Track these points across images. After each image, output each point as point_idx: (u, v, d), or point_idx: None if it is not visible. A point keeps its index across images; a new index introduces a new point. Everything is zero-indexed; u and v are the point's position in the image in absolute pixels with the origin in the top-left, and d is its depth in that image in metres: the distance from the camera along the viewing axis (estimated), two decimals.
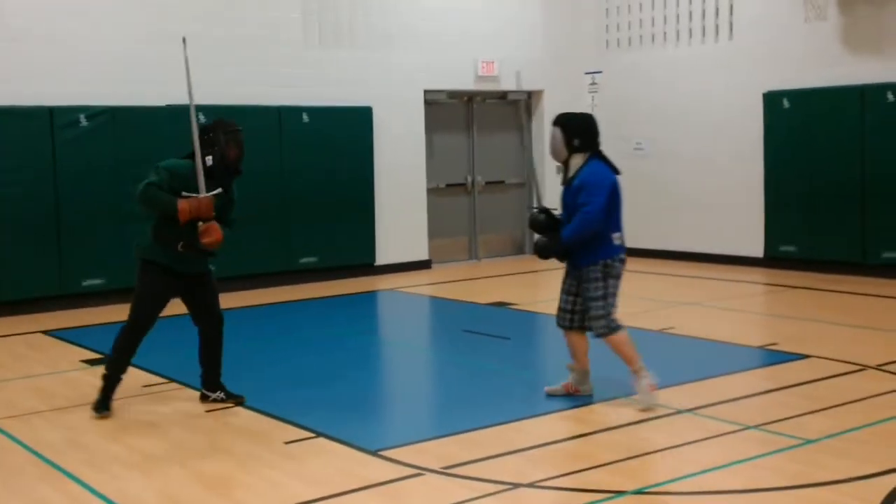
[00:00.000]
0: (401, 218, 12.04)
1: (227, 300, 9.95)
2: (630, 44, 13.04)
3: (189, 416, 5.89)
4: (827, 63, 10.85)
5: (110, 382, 5.89)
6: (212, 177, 5.70)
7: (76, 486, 4.70)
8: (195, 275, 5.89)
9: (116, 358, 5.87)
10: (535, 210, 5.90)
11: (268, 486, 4.64)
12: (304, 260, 11.26)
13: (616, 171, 5.76)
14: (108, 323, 8.99)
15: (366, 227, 11.73)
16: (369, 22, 11.78)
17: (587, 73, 13.38)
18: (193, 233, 5.65)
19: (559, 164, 5.84)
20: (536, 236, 5.96)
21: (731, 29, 11.89)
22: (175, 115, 10.24)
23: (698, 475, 4.62)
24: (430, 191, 12.52)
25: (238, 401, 6.03)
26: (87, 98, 9.87)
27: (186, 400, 6.23)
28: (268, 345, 8.04)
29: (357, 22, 11.70)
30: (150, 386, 6.57)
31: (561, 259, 5.82)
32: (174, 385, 6.57)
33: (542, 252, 5.81)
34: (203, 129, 5.77)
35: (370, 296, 10.72)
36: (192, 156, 5.70)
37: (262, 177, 10.76)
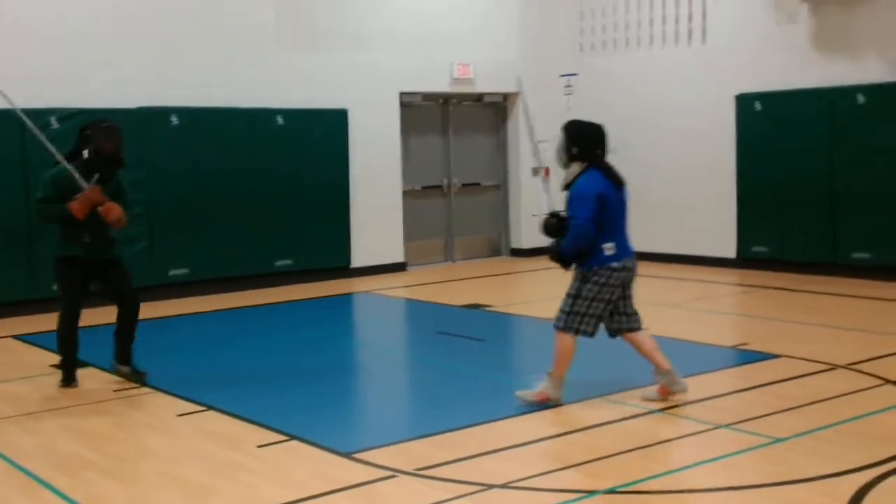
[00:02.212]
0: (376, 220, 12.04)
1: (203, 303, 10.03)
2: (605, 47, 13.11)
3: (162, 420, 5.87)
4: (798, 66, 10.95)
5: (69, 361, 6.64)
6: (94, 168, 6.27)
7: (49, 493, 4.67)
8: (105, 261, 6.54)
9: (63, 341, 6.59)
10: (547, 215, 5.84)
11: (242, 489, 4.64)
12: (280, 262, 11.24)
13: (618, 183, 5.75)
14: (79, 327, 8.93)
15: (341, 230, 11.72)
16: (344, 24, 11.77)
17: (562, 76, 13.43)
18: (97, 221, 6.27)
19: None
20: (549, 240, 5.87)
21: (703, 33, 11.98)
22: (148, 118, 10.24)
23: (670, 474, 4.66)
24: (405, 193, 12.52)
25: (141, 378, 6.62)
26: (58, 101, 9.81)
27: (160, 405, 6.21)
28: (242, 347, 8.02)
29: (332, 24, 11.68)
30: (122, 390, 6.54)
31: (564, 267, 5.80)
32: (146, 390, 6.54)
33: (551, 257, 5.82)
34: (82, 128, 6.50)
35: (345, 298, 10.71)
36: (67, 158, 6.32)
37: (237, 179, 10.75)
